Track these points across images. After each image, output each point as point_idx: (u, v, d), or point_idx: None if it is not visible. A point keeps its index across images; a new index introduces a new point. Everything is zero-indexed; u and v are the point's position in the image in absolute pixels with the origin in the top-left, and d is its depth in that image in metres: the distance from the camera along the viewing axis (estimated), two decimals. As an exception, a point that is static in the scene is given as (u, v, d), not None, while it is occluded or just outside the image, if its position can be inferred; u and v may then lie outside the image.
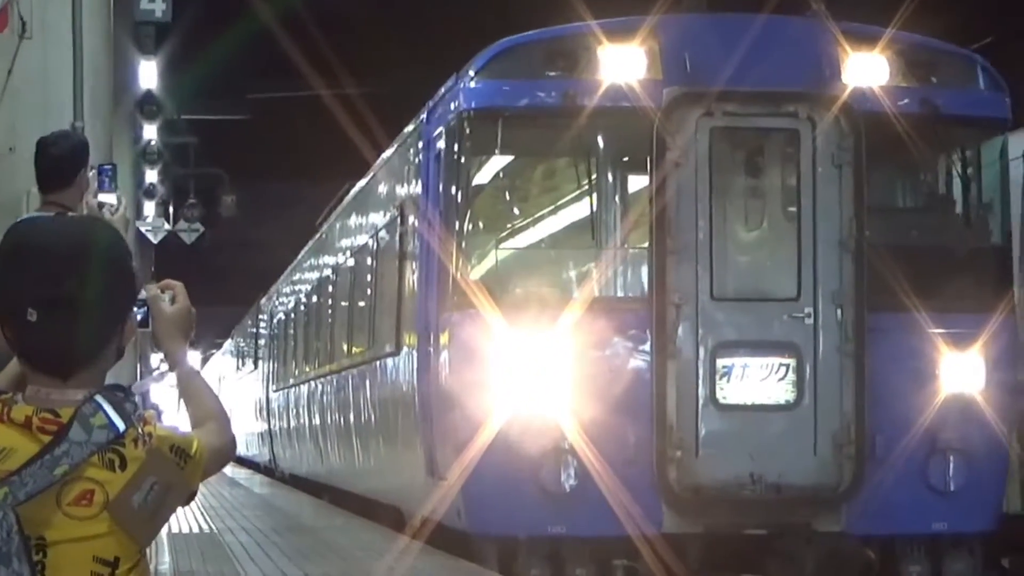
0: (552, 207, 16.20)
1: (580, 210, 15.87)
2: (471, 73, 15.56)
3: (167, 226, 36.38)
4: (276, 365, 37.80)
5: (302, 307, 33.31)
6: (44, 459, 3.70)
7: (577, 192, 15.93)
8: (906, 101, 15.54)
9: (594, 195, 15.87)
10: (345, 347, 25.43)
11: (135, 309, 4.06)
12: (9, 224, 3.99)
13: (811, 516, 15.14)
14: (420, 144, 17.45)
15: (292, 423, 33.91)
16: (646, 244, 15.20)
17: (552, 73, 15.27)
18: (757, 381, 15.19)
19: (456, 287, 15.40)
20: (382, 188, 21.81)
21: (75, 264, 3.80)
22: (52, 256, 3.79)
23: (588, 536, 15.08)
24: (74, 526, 3.74)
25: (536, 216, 16.27)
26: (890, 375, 15.21)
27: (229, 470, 43.96)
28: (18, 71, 17.44)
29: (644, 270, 15.27)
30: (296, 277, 34.50)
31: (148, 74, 27.63)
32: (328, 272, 29.04)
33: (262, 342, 40.45)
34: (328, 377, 27.53)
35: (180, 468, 3.90)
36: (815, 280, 15.25)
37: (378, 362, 20.92)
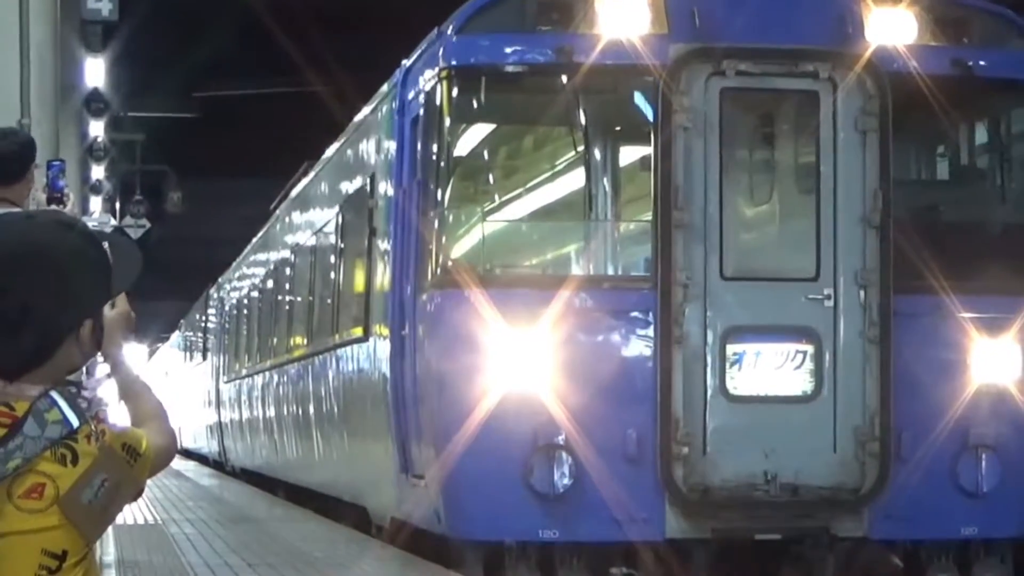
0: (544, 176, 14.94)
1: (575, 179, 14.63)
2: (454, 27, 14.26)
3: (113, 222, 34.37)
4: (227, 356, 37.34)
5: (256, 295, 32.39)
6: None
7: (572, 159, 14.69)
8: (936, 61, 14.38)
9: (591, 163, 14.66)
10: (305, 334, 24.18)
11: (100, 313, 4.17)
12: None
13: (830, 520, 14.00)
14: (394, 107, 16.14)
15: (244, 416, 33.09)
16: (649, 217, 13.91)
17: (545, 27, 13.98)
18: (771, 370, 14.04)
19: (437, 264, 14.12)
20: (347, 162, 20.52)
21: (11, 273, 3.94)
22: None
23: (584, 542, 13.85)
24: (24, 519, 3.85)
25: (526, 186, 15.03)
26: (917, 364, 14.08)
27: (177, 463, 44.99)
28: None
29: (647, 246, 13.99)
30: (250, 264, 34.08)
31: (95, 72, 28.20)
32: (285, 256, 27.88)
33: (212, 333, 40.75)
34: (285, 367, 26.32)
35: (130, 465, 4.03)
36: (835, 258, 14.07)
37: (343, 349, 19.65)
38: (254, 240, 33.57)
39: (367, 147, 18.60)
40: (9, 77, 17.68)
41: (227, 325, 37.58)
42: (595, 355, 13.89)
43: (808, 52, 14.05)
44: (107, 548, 17.46)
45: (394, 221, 15.71)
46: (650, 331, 13.80)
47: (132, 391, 4.41)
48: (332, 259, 21.39)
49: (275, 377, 27.76)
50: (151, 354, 73.55)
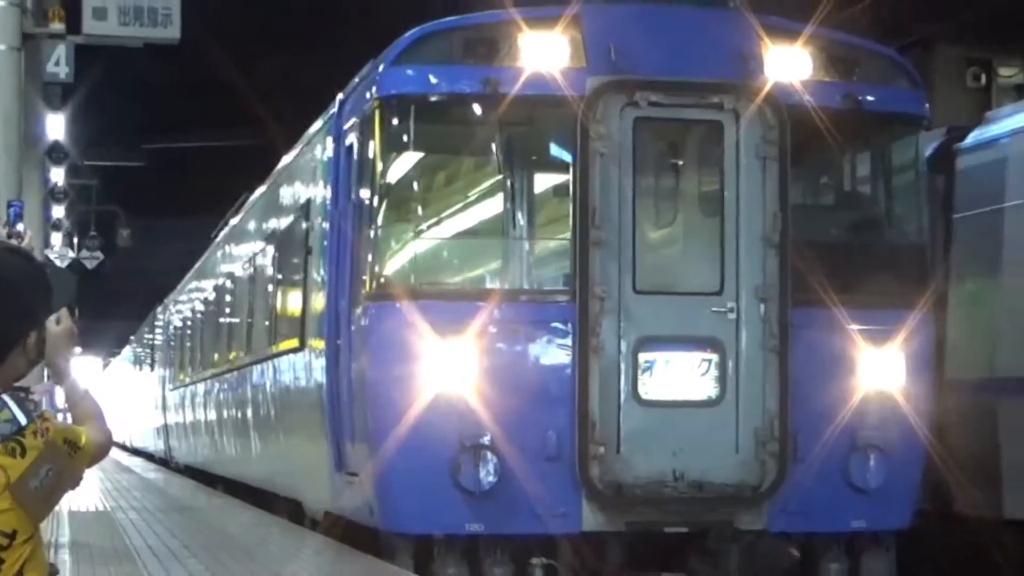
0: (471, 197, 14.20)
1: (499, 201, 13.93)
2: (388, 60, 13.56)
3: (71, 254, 38.36)
4: (172, 367, 36.92)
5: (198, 313, 31.69)
6: None
7: (496, 182, 13.98)
8: (828, 95, 13.83)
9: (514, 186, 13.96)
10: (243, 346, 23.35)
11: (42, 329, 4.27)
12: None
13: (733, 514, 13.41)
14: (329, 139, 15.45)
15: (188, 418, 32.52)
16: (568, 236, 13.23)
17: (471, 61, 13.30)
18: (680, 376, 13.45)
19: (371, 279, 13.43)
20: (284, 189, 19.77)
21: None
22: None
23: (507, 535, 13.14)
24: None
25: (455, 206, 14.27)
26: (810, 372, 13.51)
27: (126, 459, 46.25)
28: None
29: (566, 262, 13.33)
30: (192, 287, 33.65)
31: (55, 126, 28.17)
32: (225, 278, 27.13)
33: (158, 348, 40.82)
34: (225, 375, 25.58)
35: (71, 457, 4.18)
36: (738, 275, 13.50)
37: (279, 359, 18.88)
38: (196, 265, 33.13)
39: (303, 176, 17.87)
40: None
41: (172, 341, 37.28)
42: (517, 362, 13.27)
43: (714, 85, 13.45)
44: (62, 531, 17.92)
45: (330, 241, 15.00)
46: (568, 340, 13.17)
47: (74, 395, 4.49)
48: (269, 279, 20.66)
49: (216, 385, 27.03)
50: (105, 367, 73.83)
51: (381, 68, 13.63)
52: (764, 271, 13.44)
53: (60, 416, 4.65)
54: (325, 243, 15.41)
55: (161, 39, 20.41)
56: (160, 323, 40.87)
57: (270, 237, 20.69)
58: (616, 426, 13.16)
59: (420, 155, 13.75)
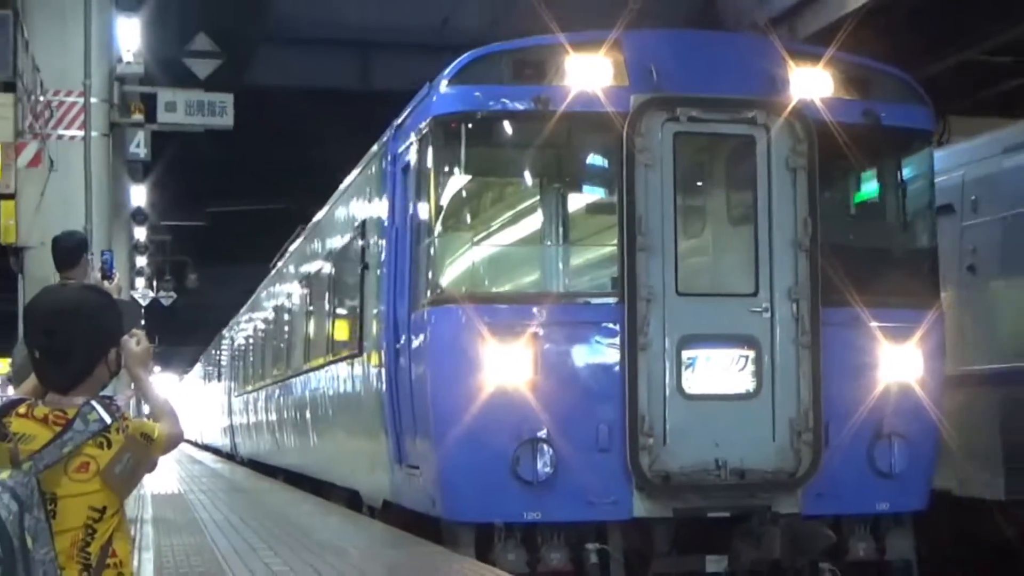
0: (522, 208, 12.71)
1: (549, 210, 12.43)
2: (442, 82, 12.09)
3: (151, 294, 41.65)
4: (236, 378, 36.09)
5: (259, 330, 30.32)
6: (56, 442, 4.12)
7: (546, 193, 12.49)
8: (849, 112, 12.44)
9: (563, 196, 12.45)
10: (301, 356, 21.86)
11: (118, 348, 4.46)
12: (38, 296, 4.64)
13: (771, 499, 11.92)
14: (386, 161, 13.93)
15: (250, 419, 31.26)
16: (615, 242, 11.76)
17: (521, 81, 11.86)
18: (719, 372, 11.99)
19: (431, 285, 11.94)
20: (339, 214, 18.20)
21: (60, 322, 4.29)
22: (45, 316, 4.33)
23: (562, 522, 11.63)
24: (76, 486, 4.14)
25: (507, 216, 12.78)
26: (838, 366, 12.07)
27: (197, 453, 46.53)
28: (48, 192, 18.50)
29: (613, 267, 11.87)
30: (252, 310, 32.94)
31: (138, 195, 30.48)
32: (283, 298, 25.64)
33: (224, 362, 40.96)
34: (284, 382, 24.11)
35: (147, 447, 4.32)
36: (771, 277, 12.06)
37: (337, 364, 17.37)
38: (254, 295, 32.49)
39: (358, 200, 16.33)
40: (78, 199, 18.23)
41: (236, 356, 36.70)
42: (569, 360, 11.80)
43: (746, 102, 12.04)
44: (146, 509, 18.08)
45: (388, 254, 13.51)
46: (617, 339, 11.69)
47: (150, 398, 4.58)
48: (325, 295, 19.08)
49: (276, 390, 25.55)
50: (180, 381, 75.36)
51: (437, 88, 12.15)
52: (796, 273, 12.02)
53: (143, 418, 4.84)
54: (383, 257, 13.93)
55: (218, 126, 21.59)
56: (225, 343, 40.94)
57: (326, 258, 19.18)
58: (663, 419, 11.70)
59: (474, 169, 12.23)
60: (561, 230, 12.39)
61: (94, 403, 4.20)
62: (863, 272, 12.47)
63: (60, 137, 18.37)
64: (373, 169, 15.09)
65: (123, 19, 21.15)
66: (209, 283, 46.70)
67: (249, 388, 31.83)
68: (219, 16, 25.04)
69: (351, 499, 17.62)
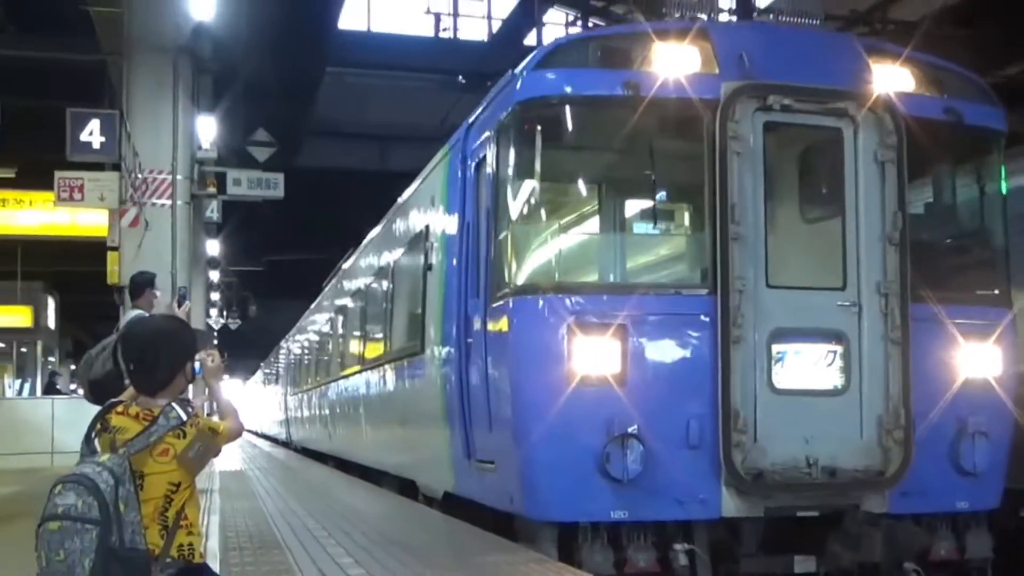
0: (608, 195, 10.13)
1: (637, 198, 9.88)
2: (528, 68, 9.57)
3: (223, 321, 44.43)
4: (291, 380, 34.54)
5: (313, 339, 28.14)
6: (144, 433, 4.43)
7: (633, 180, 9.97)
8: (933, 108, 10.02)
9: (652, 183, 9.93)
10: (357, 358, 19.16)
11: (193, 363, 4.78)
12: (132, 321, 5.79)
13: (860, 498, 9.37)
14: (457, 160, 11.38)
15: (304, 414, 29.38)
16: (705, 231, 9.25)
17: (609, 66, 9.30)
18: (808, 367, 9.47)
19: (513, 275, 9.38)
20: (398, 224, 15.51)
21: (149, 342, 4.64)
22: (139, 339, 4.69)
23: (651, 521, 9.10)
24: (158, 466, 4.45)
25: (592, 204, 10.23)
26: (924, 363, 9.56)
27: (257, 441, 46.57)
28: (144, 245, 19.31)
29: (703, 257, 9.32)
30: (305, 324, 31.62)
31: (212, 247, 31.47)
32: (335, 311, 23.12)
33: (281, 368, 40.33)
34: (338, 381, 21.50)
35: (213, 438, 4.61)
36: (859, 271, 9.57)
37: (395, 363, 14.78)
38: (307, 312, 31.25)
39: (421, 206, 13.64)
40: (166, 250, 19.38)
41: (292, 362, 35.34)
42: (658, 353, 9.23)
43: (838, 92, 9.57)
44: (215, 482, 18.20)
45: (460, 251, 10.93)
46: (707, 332, 9.16)
47: (220, 402, 4.96)
48: (383, 300, 16.39)
49: (329, 388, 22.97)
50: (244, 384, 76.54)
51: (520, 77, 9.61)
52: (885, 268, 9.53)
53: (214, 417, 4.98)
54: (452, 256, 11.36)
55: (272, 197, 22.78)
56: (282, 353, 40.61)
57: (383, 267, 16.49)
58: (753, 415, 9.18)
59: (558, 155, 9.66)
60: (649, 219, 9.86)
61: (174, 404, 4.53)
62: (942, 269, 10.08)
63: (153, 204, 19.58)
64: (440, 174, 12.50)
65: (202, 117, 22.71)
66: (265, 312, 49.43)
67: (303, 388, 29.73)
68: (274, 115, 28.05)
69: (401, 486, 15.03)
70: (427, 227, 12.93)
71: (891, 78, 9.80)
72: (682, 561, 9.03)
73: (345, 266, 22.46)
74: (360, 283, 19.45)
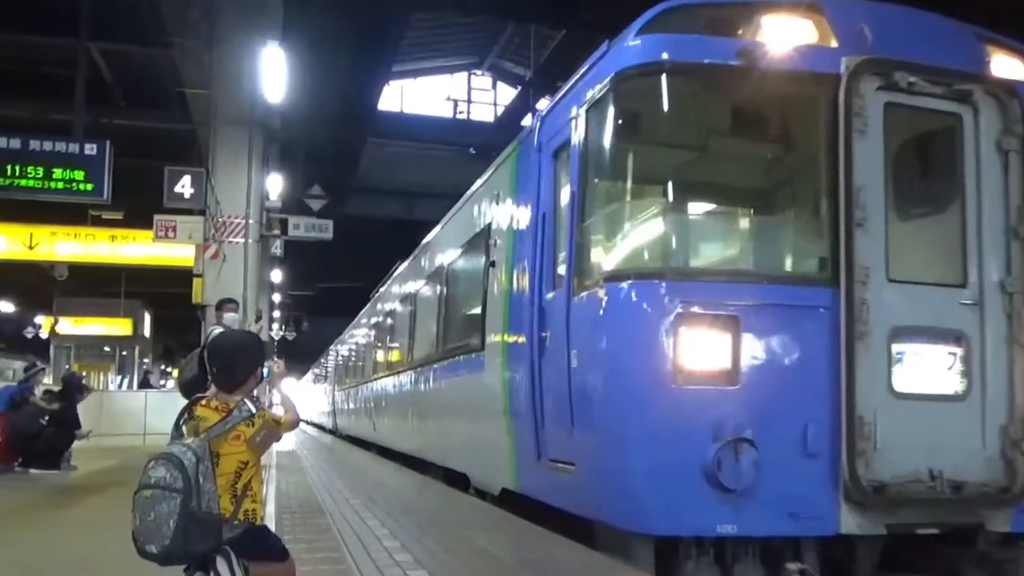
0: (715, 173, 7.15)
1: (747, 177, 6.92)
2: (630, 35, 6.60)
3: (282, 334, 42.59)
4: (339, 378, 31.16)
5: (360, 341, 24.89)
6: (221, 422, 4.23)
7: (744, 158, 7.05)
8: None
9: (765, 161, 6.94)
10: (400, 359, 16.20)
11: (263, 368, 4.56)
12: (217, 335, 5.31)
13: (985, 515, 6.26)
14: (529, 151, 8.33)
15: (349, 406, 26.42)
16: (821, 216, 6.26)
17: (721, 34, 6.32)
18: (928, 369, 6.51)
19: (604, 260, 6.35)
20: (456, 225, 12.33)
21: (230, 351, 4.46)
22: (223, 348, 4.52)
23: (761, 536, 6.03)
24: (231, 448, 4.22)
25: (698, 183, 7.17)
26: None
27: (308, 430, 43.12)
28: (222, 273, 18.74)
29: (821, 243, 6.31)
30: (353, 329, 28.30)
31: (276, 275, 31.12)
32: (382, 315, 19.92)
33: (329, 369, 37.07)
34: (382, 379, 18.39)
35: (276, 428, 4.36)
36: (981, 267, 6.61)
37: (448, 360, 11.71)
38: (355, 319, 28.09)
39: (484, 204, 10.52)
40: (239, 278, 18.83)
41: (339, 362, 32.11)
42: (775, 349, 6.26)
43: (964, 74, 6.68)
44: (272, 459, 16.92)
45: (533, 243, 7.92)
46: (826, 327, 6.16)
47: (283, 399, 4.80)
48: (439, 300, 13.16)
49: (373, 385, 19.90)
50: (299, 381, 74.14)
51: (623, 42, 6.65)
52: (1008, 264, 6.58)
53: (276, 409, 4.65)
54: (522, 251, 8.34)
55: (323, 238, 22.23)
56: (330, 356, 37.73)
57: (438, 269, 13.32)
58: (874, 421, 6.17)
59: (660, 129, 6.71)
60: (764, 200, 6.89)
61: (246, 400, 4.36)
62: None
63: (230, 242, 19.51)
64: (506, 171, 9.48)
65: (271, 175, 22.80)
66: (315, 327, 48.85)
67: (348, 384, 26.90)
68: (326, 175, 28.49)
69: (448, 476, 11.87)
70: (488, 225, 9.91)
71: (1011, 65, 6.93)
72: (796, 582, 5.99)
73: (396, 272, 19.42)
74: (410, 288, 16.37)
